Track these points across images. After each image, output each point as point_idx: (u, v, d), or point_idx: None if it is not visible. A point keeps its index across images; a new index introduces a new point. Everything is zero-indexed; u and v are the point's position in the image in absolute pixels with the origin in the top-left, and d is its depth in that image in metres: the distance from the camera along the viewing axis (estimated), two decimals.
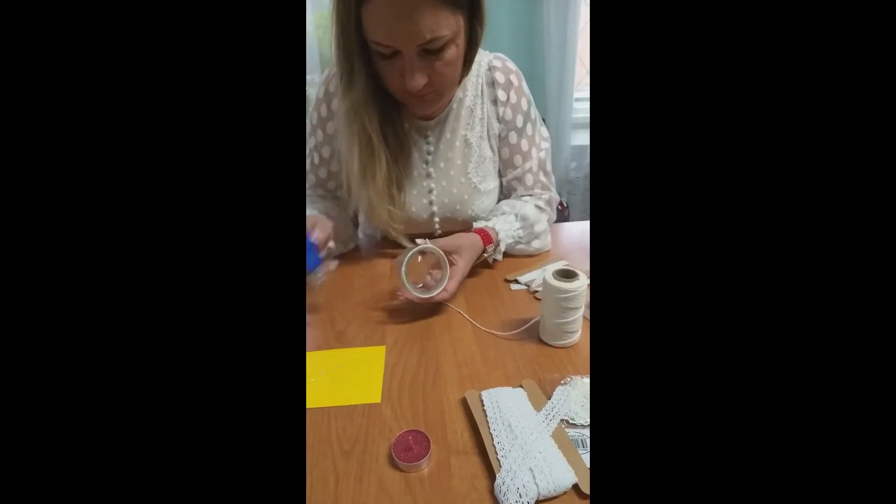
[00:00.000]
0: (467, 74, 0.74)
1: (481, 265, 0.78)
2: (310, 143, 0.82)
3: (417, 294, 0.64)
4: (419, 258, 0.68)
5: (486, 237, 0.74)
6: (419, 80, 0.63)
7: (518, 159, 0.84)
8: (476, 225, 0.77)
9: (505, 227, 0.76)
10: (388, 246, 0.85)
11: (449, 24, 0.60)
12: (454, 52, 0.64)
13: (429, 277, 0.67)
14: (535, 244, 0.81)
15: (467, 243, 0.71)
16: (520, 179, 0.85)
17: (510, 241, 0.77)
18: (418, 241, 0.66)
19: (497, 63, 0.81)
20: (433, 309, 0.68)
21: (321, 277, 0.67)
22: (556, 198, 0.88)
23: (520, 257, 0.81)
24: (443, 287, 0.65)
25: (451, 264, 0.67)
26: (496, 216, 0.79)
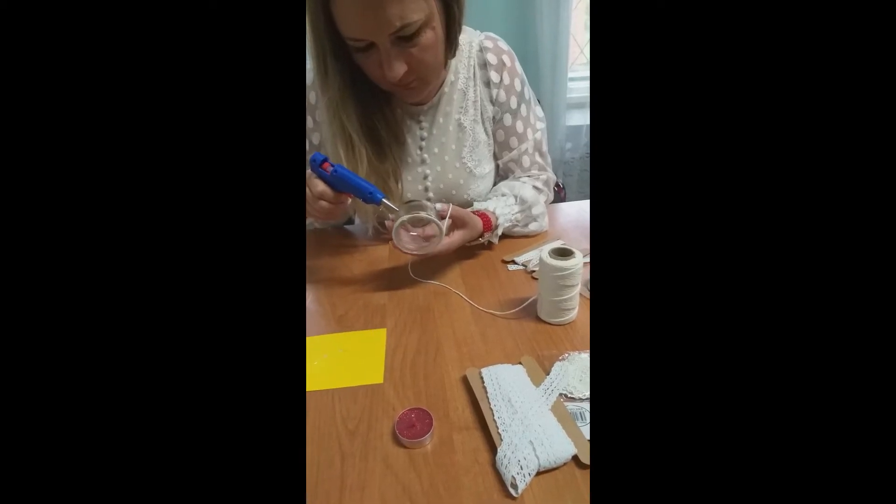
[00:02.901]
0: (453, 56, 0.73)
1: (479, 246, 0.78)
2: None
3: (407, 248, 0.66)
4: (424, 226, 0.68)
5: (488, 223, 0.74)
6: (398, 69, 0.63)
7: (514, 141, 0.83)
8: (476, 206, 0.77)
9: (504, 211, 0.77)
10: (385, 231, 0.86)
11: (419, 8, 0.59)
12: (431, 37, 0.63)
13: (427, 243, 0.68)
14: (533, 226, 0.82)
15: (472, 224, 0.71)
16: (516, 161, 0.85)
17: (508, 224, 0.77)
18: (439, 206, 0.66)
19: (489, 44, 0.80)
20: (432, 291, 0.69)
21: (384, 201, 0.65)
22: (553, 178, 0.88)
23: (517, 238, 0.82)
24: (431, 250, 0.66)
25: (447, 235, 0.67)
26: (495, 197, 0.80)
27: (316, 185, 0.63)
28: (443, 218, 0.66)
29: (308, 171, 0.65)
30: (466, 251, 0.76)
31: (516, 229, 0.80)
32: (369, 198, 0.63)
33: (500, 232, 0.77)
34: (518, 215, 0.78)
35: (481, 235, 0.75)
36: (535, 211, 0.80)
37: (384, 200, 0.63)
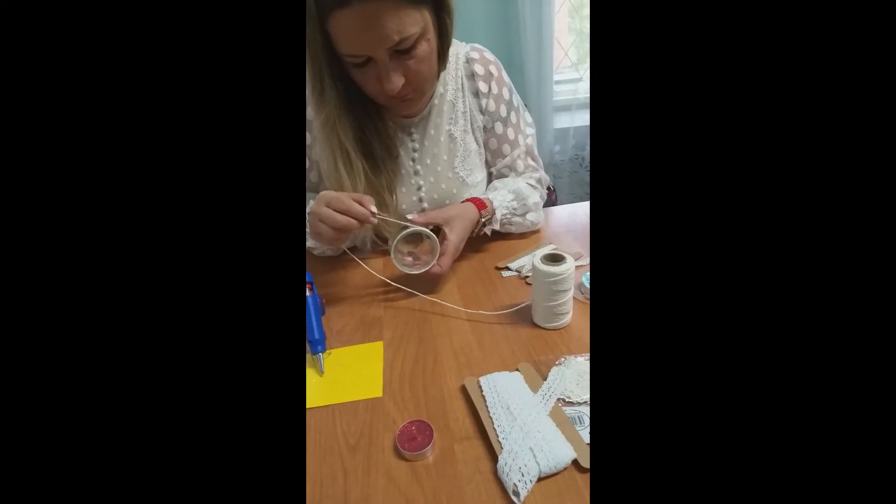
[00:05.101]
0: (444, 68, 0.74)
1: (473, 250, 0.79)
2: None
3: (410, 270, 0.67)
4: (423, 239, 0.70)
5: (480, 203, 0.75)
6: (397, 82, 0.64)
7: (506, 148, 0.85)
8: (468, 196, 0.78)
9: (499, 198, 0.78)
10: (380, 243, 0.86)
11: (415, 21, 0.61)
12: (426, 48, 0.64)
13: (428, 257, 0.69)
14: (531, 217, 0.83)
15: (459, 213, 0.72)
16: (510, 167, 0.86)
17: (504, 211, 0.78)
18: (409, 216, 0.68)
19: (475, 55, 0.81)
20: (428, 300, 0.69)
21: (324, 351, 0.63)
22: (546, 178, 0.90)
23: (514, 238, 0.83)
24: (434, 263, 0.67)
25: (445, 239, 0.69)
26: (489, 192, 0.81)
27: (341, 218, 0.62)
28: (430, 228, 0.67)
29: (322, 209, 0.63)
30: (461, 257, 0.77)
31: (516, 219, 0.81)
32: (311, 344, 0.60)
33: (498, 216, 0.78)
34: (514, 203, 0.79)
35: (480, 216, 0.75)
36: (530, 201, 0.81)
37: (320, 354, 0.60)
